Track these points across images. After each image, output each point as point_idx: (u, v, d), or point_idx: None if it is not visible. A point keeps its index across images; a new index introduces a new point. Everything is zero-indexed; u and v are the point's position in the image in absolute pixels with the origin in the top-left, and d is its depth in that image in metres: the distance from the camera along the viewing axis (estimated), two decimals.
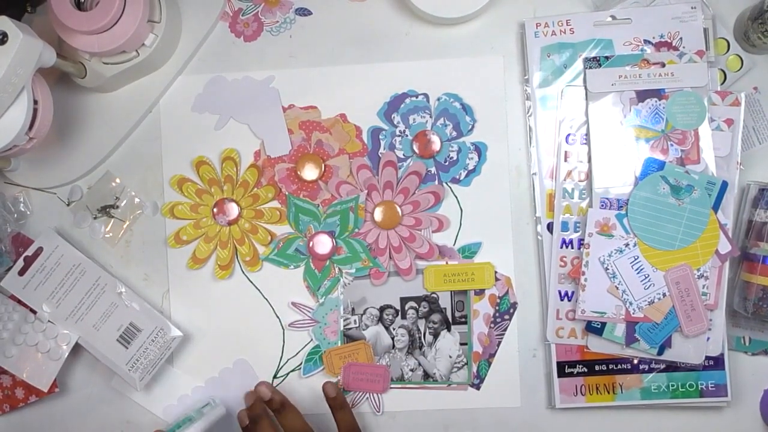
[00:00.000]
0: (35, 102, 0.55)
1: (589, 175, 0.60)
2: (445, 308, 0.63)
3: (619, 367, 0.61)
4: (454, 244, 0.63)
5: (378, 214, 0.63)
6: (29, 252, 0.63)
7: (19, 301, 0.64)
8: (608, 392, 0.61)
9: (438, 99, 0.64)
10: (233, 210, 0.64)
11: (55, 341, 0.63)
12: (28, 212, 0.66)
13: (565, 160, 0.61)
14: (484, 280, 0.62)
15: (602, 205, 0.60)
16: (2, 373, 0.64)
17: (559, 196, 0.61)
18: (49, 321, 0.63)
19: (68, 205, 0.66)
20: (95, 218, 0.65)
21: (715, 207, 0.58)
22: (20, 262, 0.63)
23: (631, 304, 0.59)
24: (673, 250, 0.58)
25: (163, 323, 0.62)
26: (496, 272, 0.62)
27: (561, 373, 0.61)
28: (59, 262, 0.63)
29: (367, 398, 0.63)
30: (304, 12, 0.65)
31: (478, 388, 0.63)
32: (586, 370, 0.61)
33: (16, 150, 0.57)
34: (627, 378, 0.60)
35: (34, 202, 0.66)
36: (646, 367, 0.60)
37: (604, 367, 0.61)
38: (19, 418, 0.65)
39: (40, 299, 0.63)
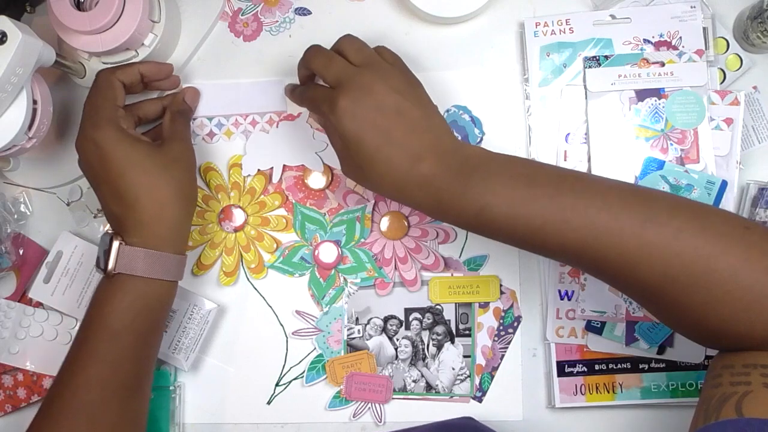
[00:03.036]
0: (34, 102, 0.55)
1: None
2: (449, 320, 0.62)
3: (619, 366, 0.61)
4: (459, 256, 0.63)
5: (384, 224, 0.63)
6: (50, 258, 0.64)
7: (20, 299, 0.65)
8: (608, 391, 0.61)
9: (447, 111, 0.64)
10: (239, 217, 0.64)
11: (61, 326, 0.63)
12: (29, 213, 0.66)
13: (565, 160, 0.61)
14: (489, 293, 0.62)
15: None
16: (3, 373, 0.64)
17: None
18: (51, 309, 0.63)
19: (68, 205, 0.66)
20: (95, 217, 0.65)
21: (715, 206, 0.58)
22: (43, 269, 0.64)
23: (631, 303, 0.59)
24: None
25: (196, 299, 0.62)
26: (501, 285, 0.62)
27: (561, 373, 0.61)
28: (81, 262, 0.63)
29: (369, 408, 0.63)
30: (303, 12, 0.65)
31: (480, 401, 0.62)
32: (585, 369, 0.61)
33: (15, 150, 0.57)
34: (627, 377, 0.60)
35: (34, 202, 0.66)
36: (646, 366, 0.60)
37: (604, 367, 0.61)
38: (22, 419, 0.65)
39: (70, 303, 0.63)
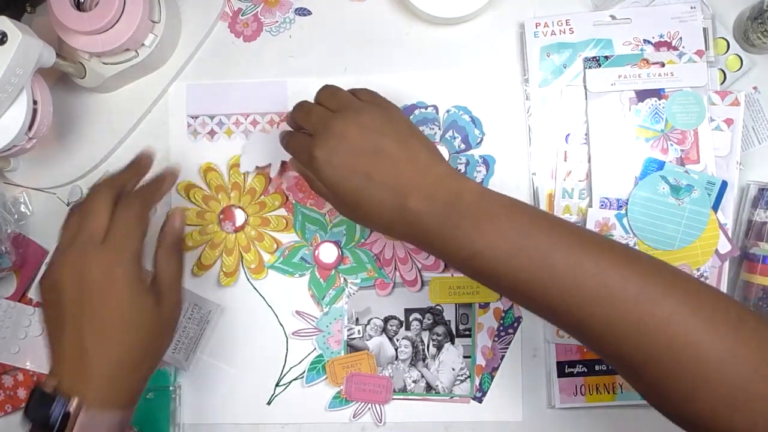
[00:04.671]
0: (35, 102, 0.55)
1: (588, 175, 0.60)
2: (449, 321, 0.62)
3: None
4: None
5: None
6: (50, 258, 0.64)
7: (20, 299, 0.65)
8: (608, 392, 0.61)
9: (447, 111, 0.64)
10: (240, 217, 0.64)
11: None
12: (29, 213, 0.66)
13: (565, 160, 0.61)
14: (490, 293, 0.62)
15: (602, 205, 0.60)
16: (3, 373, 0.64)
17: (558, 196, 0.61)
18: None
19: (68, 205, 0.66)
20: None
21: (715, 207, 0.58)
22: (44, 270, 0.63)
23: None
24: (673, 250, 0.58)
25: (196, 299, 0.62)
26: None
27: (561, 373, 0.61)
28: None
29: (369, 409, 0.63)
30: (303, 12, 0.65)
31: (480, 401, 0.62)
32: (586, 369, 0.61)
33: (15, 150, 0.57)
34: None
35: (34, 202, 0.66)
36: None
37: (604, 367, 0.61)
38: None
39: None
